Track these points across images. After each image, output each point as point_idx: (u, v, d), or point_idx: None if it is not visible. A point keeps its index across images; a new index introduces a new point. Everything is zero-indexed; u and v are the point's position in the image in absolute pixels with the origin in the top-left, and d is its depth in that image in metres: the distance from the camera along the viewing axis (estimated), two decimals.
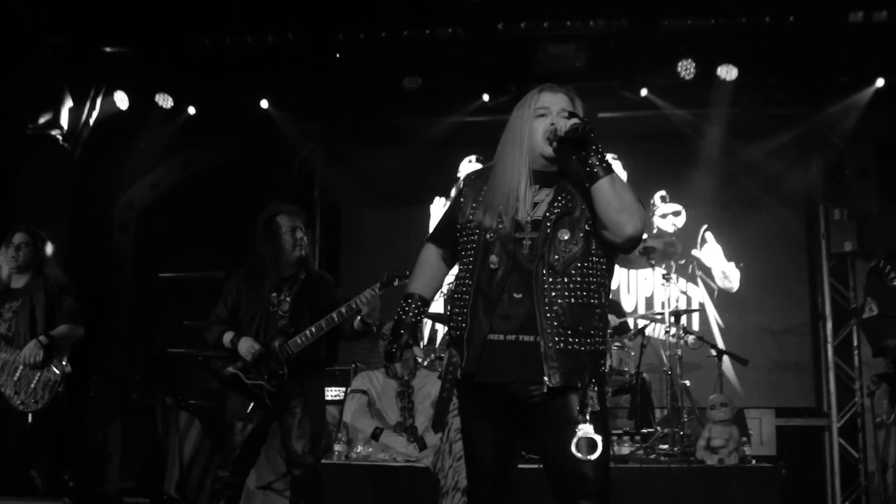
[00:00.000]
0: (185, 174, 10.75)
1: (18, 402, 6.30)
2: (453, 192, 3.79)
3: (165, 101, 9.58)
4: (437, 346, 6.13)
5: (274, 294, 5.89)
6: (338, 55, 9.33)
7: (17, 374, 6.32)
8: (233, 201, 10.54)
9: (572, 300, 3.40)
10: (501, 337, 3.43)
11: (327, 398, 7.80)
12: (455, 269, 3.77)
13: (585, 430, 3.30)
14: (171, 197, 10.75)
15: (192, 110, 9.88)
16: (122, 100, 9.49)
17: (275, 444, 8.51)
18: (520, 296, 3.42)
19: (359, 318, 5.78)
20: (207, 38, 9.37)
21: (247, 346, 5.80)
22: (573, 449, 3.29)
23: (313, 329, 5.75)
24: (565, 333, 3.37)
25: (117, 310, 10.44)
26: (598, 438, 3.30)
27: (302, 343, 5.76)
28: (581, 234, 3.45)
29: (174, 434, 8.59)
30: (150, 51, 9.38)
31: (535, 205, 3.52)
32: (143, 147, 10.00)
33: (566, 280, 3.40)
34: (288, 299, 5.86)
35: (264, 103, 9.84)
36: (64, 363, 6.52)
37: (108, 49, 9.37)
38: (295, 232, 5.94)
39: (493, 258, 3.46)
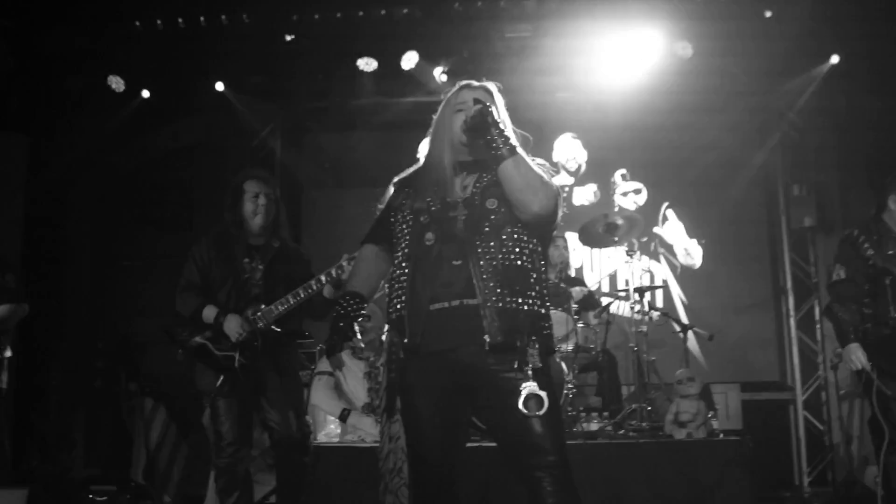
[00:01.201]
0: (141, 158, 10.59)
1: None
2: (386, 196, 3.87)
3: (118, 84, 9.41)
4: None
5: (246, 260, 5.64)
6: (292, 36, 9.22)
7: None
8: (191, 185, 10.45)
9: (506, 262, 3.51)
10: (446, 304, 3.52)
11: None
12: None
13: (530, 386, 3.34)
14: (128, 182, 10.61)
15: (146, 93, 9.74)
16: (74, 84, 9.32)
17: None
18: (458, 262, 3.53)
19: (330, 286, 5.46)
20: (160, 20, 9.20)
21: (234, 325, 5.49)
22: (521, 406, 3.33)
23: (290, 298, 5.46)
24: (503, 293, 3.46)
25: (76, 297, 10.30)
26: (544, 394, 3.33)
27: (279, 312, 5.49)
28: (508, 204, 3.60)
29: (139, 420, 8.50)
30: (102, 33, 9.20)
31: (464, 187, 3.70)
32: (98, 131, 9.83)
33: (498, 244, 3.53)
34: (261, 267, 5.60)
35: (219, 85, 9.74)
36: (7, 350, 6.29)
37: (58, 31, 9.18)
38: (258, 198, 5.68)
39: (430, 235, 3.60)
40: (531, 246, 3.60)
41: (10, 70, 8.87)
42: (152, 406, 8.58)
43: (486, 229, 3.55)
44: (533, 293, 3.53)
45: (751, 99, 9.95)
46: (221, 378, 5.48)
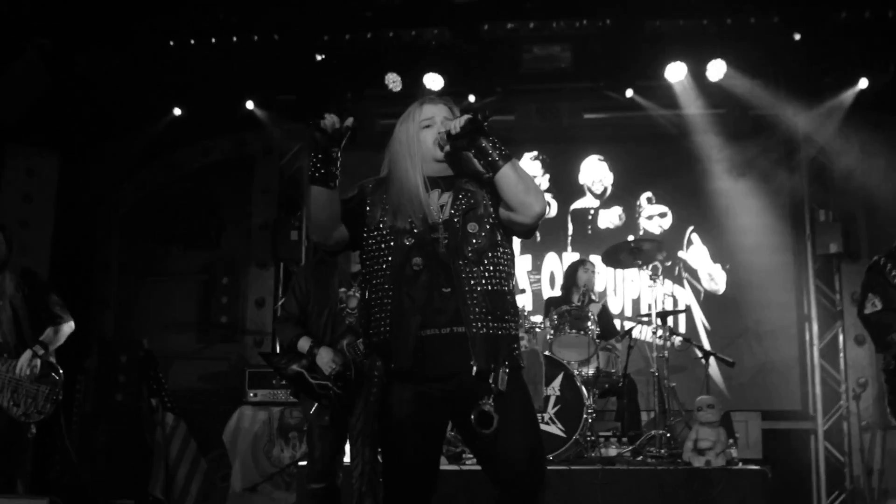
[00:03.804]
0: (170, 175, 10.71)
1: (20, 413, 6.19)
2: (354, 192, 3.77)
3: (152, 101, 9.49)
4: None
5: (343, 290, 5.74)
6: (322, 56, 9.29)
7: (15, 385, 6.17)
8: (218, 202, 10.54)
9: (489, 287, 3.56)
10: (437, 331, 3.53)
11: None
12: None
13: (485, 404, 3.44)
14: (156, 198, 10.70)
15: (177, 111, 9.83)
16: (107, 100, 9.44)
17: (261, 445, 8.51)
18: (448, 290, 3.55)
19: None
20: (193, 39, 9.32)
21: (326, 359, 5.60)
22: (473, 421, 3.43)
23: None
24: (486, 319, 3.52)
25: (102, 311, 10.42)
26: (496, 414, 3.42)
27: None
28: (487, 227, 3.64)
29: (159, 435, 8.57)
30: (135, 51, 9.32)
31: (442, 207, 3.67)
32: (129, 148, 9.95)
33: (481, 269, 3.57)
34: (357, 295, 5.60)
35: (249, 104, 9.80)
36: (60, 370, 6.43)
37: (92, 50, 9.30)
38: None
39: (417, 260, 3.56)
40: (506, 267, 3.64)
41: (46, 88, 8.98)
42: (173, 422, 8.67)
43: (470, 254, 3.56)
44: (510, 317, 3.61)
45: (778, 123, 9.89)
46: (315, 406, 5.65)
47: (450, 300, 3.53)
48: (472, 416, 3.44)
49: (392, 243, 3.62)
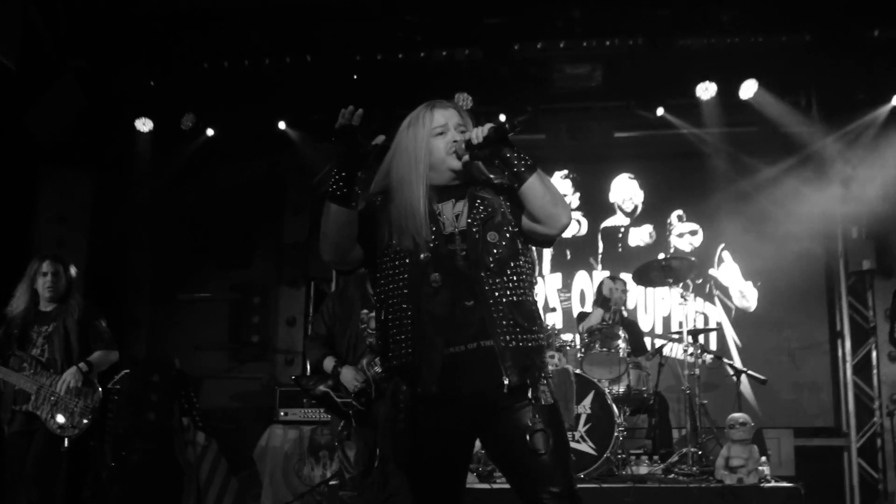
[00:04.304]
0: (203, 195, 10.79)
1: (56, 426, 6.34)
2: (362, 207, 3.49)
3: (187, 122, 9.57)
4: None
5: (364, 311, 5.92)
6: (355, 76, 9.35)
7: (55, 399, 6.35)
8: (250, 222, 10.60)
9: (514, 298, 3.41)
10: (462, 347, 3.38)
11: None
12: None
13: (538, 423, 3.32)
14: (189, 218, 10.79)
15: (210, 132, 9.91)
16: (141, 122, 9.55)
17: (292, 464, 8.56)
18: (471, 303, 3.39)
19: None
20: (226, 61, 9.42)
21: (349, 377, 5.86)
22: (529, 442, 3.30)
23: None
24: (514, 331, 3.37)
25: (135, 330, 10.50)
26: (549, 431, 3.32)
27: None
28: (507, 235, 3.47)
29: (191, 454, 8.62)
30: (170, 73, 9.43)
31: (457, 216, 3.50)
32: (163, 168, 10.04)
33: (504, 280, 3.41)
34: None
35: (282, 124, 9.87)
36: (100, 389, 6.58)
37: (128, 71, 9.42)
38: None
39: (435, 276, 3.39)
40: (529, 276, 3.50)
41: (83, 109, 9.10)
42: (204, 441, 8.72)
43: (492, 265, 3.40)
44: (538, 327, 3.48)
45: (810, 140, 9.83)
46: (342, 423, 6.01)
47: (473, 313, 3.38)
48: (528, 438, 3.29)
49: (407, 260, 3.44)
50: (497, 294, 3.39)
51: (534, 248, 3.66)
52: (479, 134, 3.38)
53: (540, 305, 3.79)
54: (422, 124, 3.54)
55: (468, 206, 3.50)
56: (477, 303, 3.39)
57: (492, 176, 3.58)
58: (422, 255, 3.42)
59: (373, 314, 5.74)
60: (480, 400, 3.40)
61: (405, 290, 3.43)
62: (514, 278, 3.44)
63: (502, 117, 9.43)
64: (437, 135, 3.52)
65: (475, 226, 3.46)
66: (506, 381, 3.33)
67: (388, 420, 3.49)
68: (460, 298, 3.40)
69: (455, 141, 3.48)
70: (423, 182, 3.47)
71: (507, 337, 3.36)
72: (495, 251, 3.43)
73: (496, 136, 3.35)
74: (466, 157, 3.47)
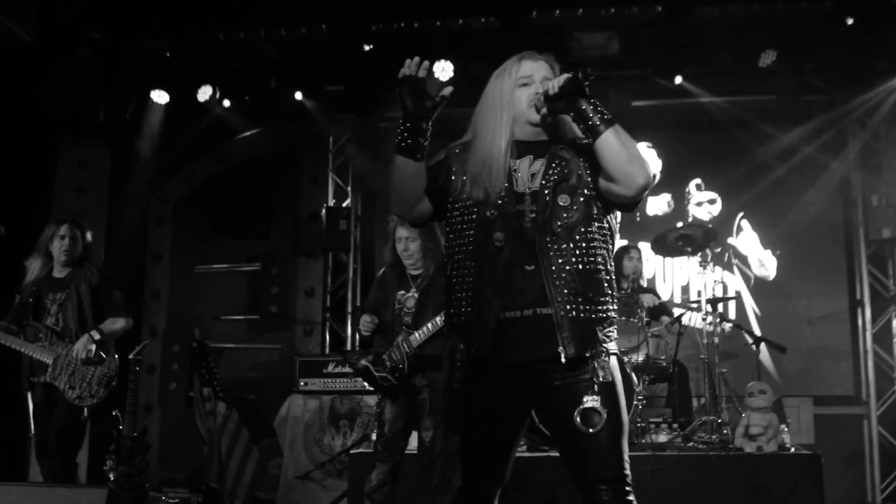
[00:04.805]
0: (220, 167, 10.81)
1: (74, 395, 6.37)
2: (441, 158, 3.53)
3: (204, 93, 9.55)
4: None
5: (402, 292, 6.00)
6: (370, 46, 9.30)
7: (72, 369, 6.38)
8: (267, 193, 10.60)
9: (580, 266, 3.29)
10: (518, 313, 3.31)
11: None
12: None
13: (590, 401, 3.23)
14: (206, 189, 10.82)
15: (226, 103, 9.87)
16: (158, 94, 9.53)
17: (312, 433, 8.59)
18: (531, 268, 3.30)
19: None
20: (242, 32, 9.39)
21: (363, 322, 6.04)
22: (580, 421, 3.22)
23: (429, 326, 5.78)
24: (576, 301, 3.26)
25: (154, 302, 10.55)
26: (603, 410, 3.23)
27: (420, 338, 5.80)
28: (581, 199, 3.35)
29: (212, 424, 8.66)
30: (185, 44, 9.40)
31: (532, 176, 3.41)
32: (179, 140, 10.04)
33: (571, 246, 3.30)
34: (416, 295, 5.92)
35: (298, 95, 9.83)
36: (116, 356, 6.60)
37: (143, 42, 9.41)
38: (403, 242, 5.99)
39: (498, 235, 3.32)
40: (602, 244, 3.36)
41: (99, 81, 9.10)
42: (225, 411, 8.75)
43: (559, 230, 3.29)
44: (607, 299, 3.34)
45: (830, 108, 9.79)
46: (379, 397, 6.06)
47: (532, 279, 3.29)
48: (576, 416, 3.21)
49: (475, 215, 3.38)
50: (561, 261, 3.28)
51: (618, 214, 3.52)
52: (555, 84, 3.29)
53: None
54: (508, 74, 3.49)
55: (545, 165, 3.42)
56: (538, 268, 3.30)
57: (581, 136, 3.43)
58: (488, 213, 3.36)
59: (410, 294, 5.94)
60: (533, 370, 3.33)
61: (470, 247, 3.38)
62: (584, 245, 3.32)
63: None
64: (522, 85, 3.46)
65: (547, 187, 3.36)
66: (562, 353, 3.25)
67: (446, 378, 3.48)
68: (521, 262, 3.32)
69: (536, 93, 3.40)
70: (506, 132, 3.42)
71: (568, 307, 3.26)
72: (565, 215, 3.32)
73: (571, 87, 3.24)
74: (544, 110, 3.38)
